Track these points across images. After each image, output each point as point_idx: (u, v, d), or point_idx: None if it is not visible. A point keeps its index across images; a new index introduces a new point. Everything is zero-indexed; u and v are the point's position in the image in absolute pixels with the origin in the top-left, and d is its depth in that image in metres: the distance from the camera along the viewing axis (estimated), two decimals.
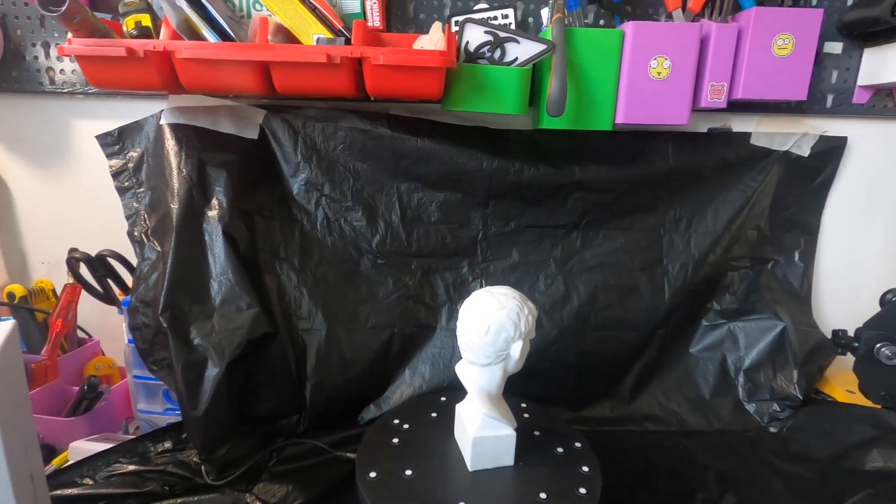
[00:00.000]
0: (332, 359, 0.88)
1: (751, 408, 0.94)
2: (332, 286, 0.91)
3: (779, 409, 0.91)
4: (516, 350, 0.64)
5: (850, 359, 0.90)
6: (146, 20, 0.72)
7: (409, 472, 0.65)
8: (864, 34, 0.88)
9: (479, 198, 0.93)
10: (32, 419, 0.50)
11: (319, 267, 0.91)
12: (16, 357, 0.48)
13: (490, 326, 0.62)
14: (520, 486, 0.65)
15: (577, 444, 0.72)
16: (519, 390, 0.86)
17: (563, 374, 0.94)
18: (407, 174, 0.92)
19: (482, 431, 0.66)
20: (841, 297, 1.02)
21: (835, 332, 0.74)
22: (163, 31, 0.71)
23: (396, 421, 0.75)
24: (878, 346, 0.68)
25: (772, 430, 0.90)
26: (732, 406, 0.95)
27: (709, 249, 0.96)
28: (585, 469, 0.68)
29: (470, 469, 0.66)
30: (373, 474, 0.64)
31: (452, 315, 0.94)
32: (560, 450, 0.71)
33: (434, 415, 0.77)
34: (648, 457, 0.84)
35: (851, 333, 0.82)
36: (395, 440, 0.71)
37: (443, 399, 0.81)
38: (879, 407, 0.76)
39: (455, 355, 0.92)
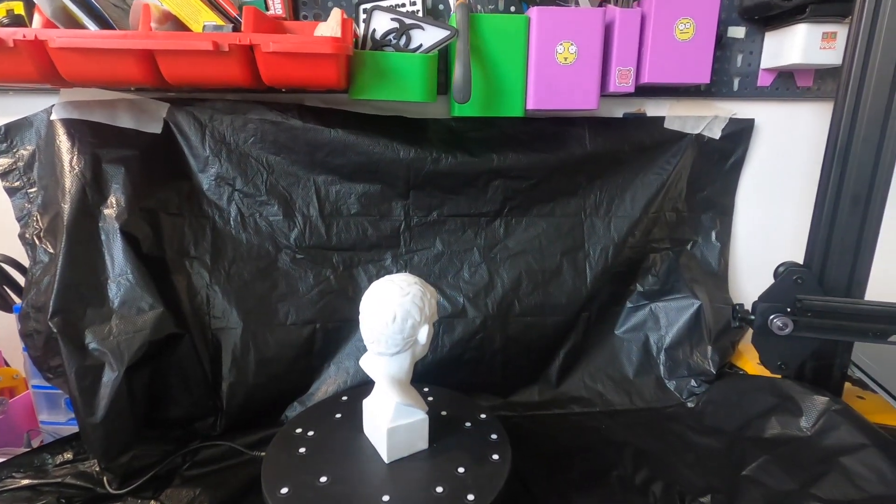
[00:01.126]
0: (250, 357, 0.85)
1: (671, 385, 0.96)
2: (247, 283, 0.88)
3: (695, 385, 0.94)
4: (423, 335, 0.64)
5: None
6: (19, 8, 0.68)
7: (323, 480, 0.62)
8: (763, 18, 0.91)
9: (398, 188, 0.92)
10: None
11: (234, 264, 0.88)
12: None
13: (396, 314, 0.62)
14: (438, 467, 0.65)
15: (483, 416, 0.74)
16: (446, 380, 0.86)
17: (490, 362, 0.95)
18: (323, 166, 0.90)
19: (395, 421, 0.65)
20: (756, 274, 1.06)
21: (733, 307, 0.77)
22: (35, 19, 0.67)
23: (299, 430, 0.71)
24: (771, 317, 0.71)
25: (689, 405, 0.93)
26: (654, 384, 0.97)
27: (628, 232, 0.98)
28: (494, 436, 0.69)
29: (387, 461, 0.66)
30: (284, 490, 0.60)
31: None
32: (468, 424, 0.72)
33: (338, 416, 0.74)
34: (571, 438, 0.86)
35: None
36: (302, 450, 0.67)
37: (344, 398, 0.79)
38: (779, 377, 0.80)
39: None
